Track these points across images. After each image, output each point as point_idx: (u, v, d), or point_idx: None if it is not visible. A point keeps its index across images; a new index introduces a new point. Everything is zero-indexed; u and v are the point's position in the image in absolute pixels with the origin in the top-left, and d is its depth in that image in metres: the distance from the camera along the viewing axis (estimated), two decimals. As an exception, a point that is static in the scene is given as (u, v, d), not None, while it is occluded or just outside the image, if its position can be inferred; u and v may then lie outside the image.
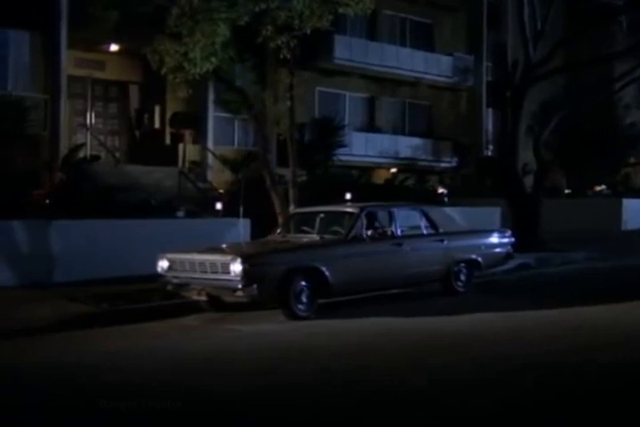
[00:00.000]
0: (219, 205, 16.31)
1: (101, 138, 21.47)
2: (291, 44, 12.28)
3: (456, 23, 30.66)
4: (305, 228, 11.74)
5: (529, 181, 20.09)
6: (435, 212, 12.55)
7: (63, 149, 18.67)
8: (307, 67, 21.53)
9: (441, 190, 24.38)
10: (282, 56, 12.53)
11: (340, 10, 12.66)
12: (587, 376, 6.49)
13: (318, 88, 26.44)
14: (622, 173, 31.56)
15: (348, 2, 12.25)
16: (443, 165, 29.18)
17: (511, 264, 15.37)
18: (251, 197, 15.87)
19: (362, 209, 11.25)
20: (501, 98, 20.42)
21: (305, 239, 11.23)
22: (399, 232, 11.43)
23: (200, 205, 17.27)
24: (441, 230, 11.95)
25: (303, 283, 9.99)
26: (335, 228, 11.25)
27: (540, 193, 18.94)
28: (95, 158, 20.21)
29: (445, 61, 29.78)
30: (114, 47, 20.28)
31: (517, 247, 17.06)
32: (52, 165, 17.35)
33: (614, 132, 28.65)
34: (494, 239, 12.96)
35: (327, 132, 23.37)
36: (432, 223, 11.94)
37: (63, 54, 18.86)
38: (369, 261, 10.81)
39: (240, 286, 9.69)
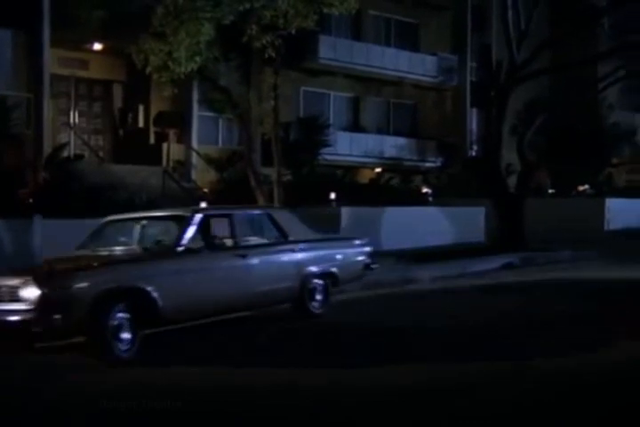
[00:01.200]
0: (203, 205, 16.31)
1: (85, 137, 21.42)
2: (276, 43, 12.32)
3: (441, 23, 30.78)
4: (124, 238, 9.48)
5: (514, 180, 20.19)
6: (281, 216, 10.35)
7: (47, 148, 18.63)
8: (292, 66, 21.53)
9: (425, 190, 24.49)
10: (267, 56, 12.57)
11: (325, 10, 12.71)
12: None
13: (303, 88, 26.49)
14: (606, 173, 31.78)
15: (333, 2, 12.30)
16: (427, 164, 29.28)
17: (496, 264, 15.49)
18: (236, 197, 15.91)
19: (194, 213, 9.10)
20: (486, 98, 20.54)
21: (124, 253, 8.93)
22: (242, 241, 9.40)
23: (184, 205, 17.25)
24: (291, 238, 9.88)
25: (123, 310, 7.69)
26: (162, 237, 9.05)
27: (525, 193, 19.04)
28: (79, 157, 20.18)
29: (430, 61, 29.90)
30: (98, 46, 20.25)
31: (501, 247, 17.24)
32: (36, 163, 17.31)
33: (598, 133, 28.84)
34: (352, 248, 10.91)
35: (312, 132, 23.42)
36: (280, 230, 9.89)
37: (46, 53, 18.81)
38: (206, 278, 8.68)
39: (36, 319, 7.21)
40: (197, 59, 11.86)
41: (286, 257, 9.76)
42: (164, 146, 21.76)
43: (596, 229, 23.39)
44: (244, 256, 9.12)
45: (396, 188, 24.08)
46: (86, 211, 13.69)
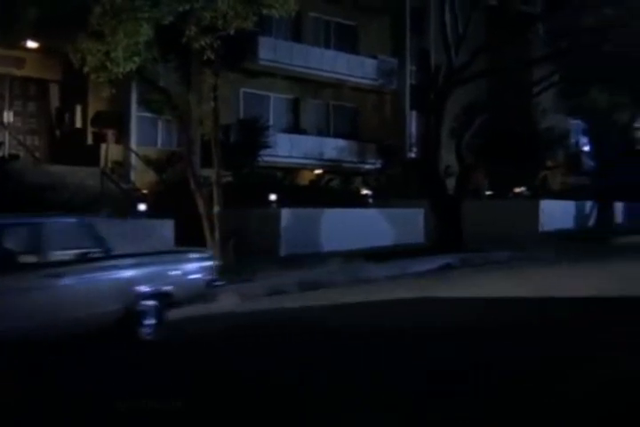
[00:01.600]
0: (142, 206, 16.16)
1: (20, 137, 21.00)
2: (215, 44, 12.24)
3: (380, 26, 30.98)
4: None
5: (452, 182, 20.46)
6: (94, 224, 8.58)
7: (-20, 148, 18.22)
8: (231, 68, 21.40)
9: (365, 192, 24.62)
10: (206, 57, 12.47)
11: (265, 11, 12.68)
12: None
13: (243, 89, 26.39)
14: (541, 175, 32.38)
15: (272, 3, 12.28)
16: (367, 166, 29.42)
17: (435, 264, 15.67)
18: (175, 198, 15.79)
19: None
20: (424, 101, 20.78)
21: None
22: (49, 258, 7.69)
23: (123, 206, 17.06)
24: (115, 252, 8.37)
25: None
26: None
27: (462, 194, 19.31)
28: (14, 157, 19.77)
29: (370, 64, 30.08)
30: (33, 44, 19.86)
31: (440, 248, 17.45)
32: (-30, 164, 16.92)
33: (533, 136, 29.37)
34: (191, 263, 9.29)
35: (252, 133, 23.33)
36: (100, 243, 8.29)
37: (-21, 51, 18.40)
38: (7, 304, 7.03)
39: None
40: (136, 59, 11.73)
41: (108, 275, 8.11)
42: (103, 147, 21.46)
43: (530, 231, 23.84)
44: (52, 276, 7.47)
45: (336, 189, 24.17)
46: (22, 211, 13.42)
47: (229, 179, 19.23)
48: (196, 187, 14.61)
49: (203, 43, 12.26)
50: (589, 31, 20.27)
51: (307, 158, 27.54)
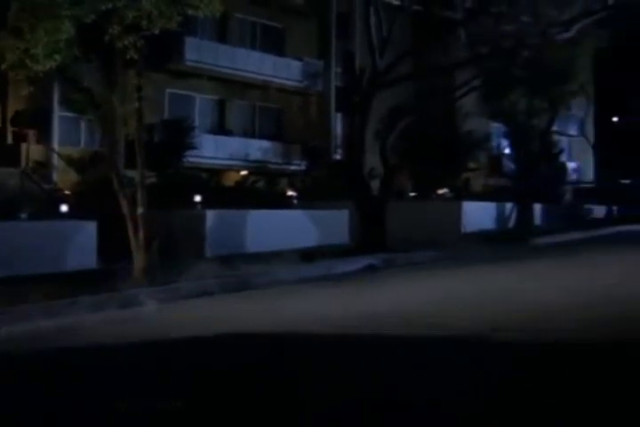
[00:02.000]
0: (64, 207, 15.85)
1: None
2: (138, 44, 12.06)
3: (306, 29, 31.10)
4: None
5: (377, 184, 20.62)
6: None
7: None
8: (156, 68, 21.21)
9: (290, 193, 24.65)
10: (129, 56, 12.29)
11: (190, 11, 12.55)
12: None
13: (168, 89, 26.18)
14: (463, 177, 32.96)
15: (197, 3, 12.17)
16: (293, 168, 29.50)
17: (359, 265, 15.78)
18: (98, 199, 15.52)
19: None
20: (349, 103, 20.91)
21: None
22: None
23: (44, 207, 16.71)
24: None
25: None
26: None
27: (387, 196, 19.49)
28: None
29: (295, 66, 30.17)
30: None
31: (364, 249, 17.57)
32: None
33: (455, 139, 29.88)
34: None
35: (177, 134, 23.14)
36: None
37: None
38: None
39: None
40: (56, 57, 11.46)
41: None
42: (23, 146, 20.98)
43: (453, 232, 24.22)
44: None
45: (261, 190, 24.15)
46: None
47: (154, 180, 19.00)
48: (120, 187, 14.36)
49: (126, 42, 12.06)
50: (508, 37, 20.72)
51: (232, 159, 27.47)
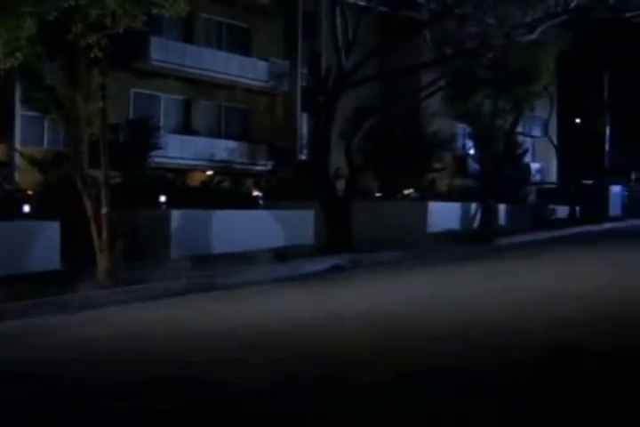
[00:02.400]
0: (26, 208, 15.62)
1: None
2: (102, 42, 11.90)
3: (273, 29, 31.02)
4: None
5: (343, 184, 20.59)
6: None
7: None
8: (121, 67, 20.98)
9: (256, 193, 24.56)
10: (93, 55, 12.12)
11: (155, 11, 12.41)
12: None
13: (133, 89, 25.96)
14: (429, 177, 33.07)
15: (162, 3, 12.04)
16: (259, 168, 29.41)
17: (325, 265, 15.75)
18: (61, 199, 15.32)
19: None
20: (315, 103, 20.87)
21: None
22: None
23: (7, 207, 16.44)
24: None
25: None
26: None
27: (352, 196, 19.48)
28: None
29: (262, 66, 30.08)
30: None
31: (330, 249, 17.54)
32: None
33: (421, 139, 29.97)
34: None
35: (142, 134, 22.96)
36: None
37: None
38: None
39: None
40: (18, 55, 11.26)
41: None
42: (-15, 146, 20.68)
43: (419, 231, 24.28)
44: None
45: (227, 191, 24.00)
46: None
47: (119, 180, 18.82)
48: (84, 187, 14.19)
49: (90, 40, 11.88)
50: (472, 38, 20.84)
51: (198, 159, 27.32)
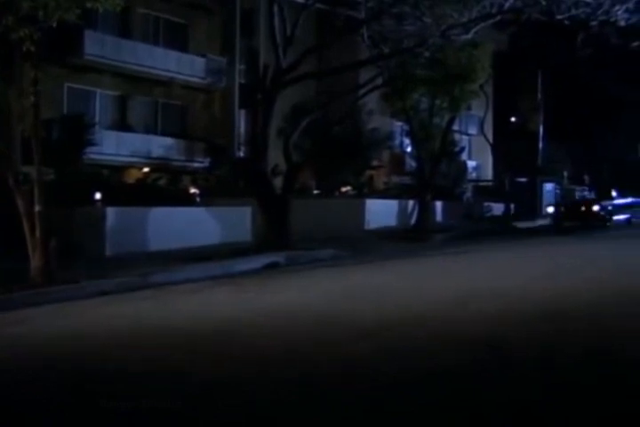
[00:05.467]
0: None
1: None
2: (35, 36, 11.68)
3: (211, 25, 30.83)
4: None
5: (280, 181, 20.60)
6: None
7: None
8: (55, 61, 20.66)
9: (193, 190, 24.41)
10: (26, 49, 11.88)
11: (89, 4, 12.24)
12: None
13: (67, 84, 25.50)
14: (367, 175, 33.30)
15: (97, -4, 11.87)
16: (196, 165, 29.20)
17: (261, 263, 15.73)
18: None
19: None
20: (253, 100, 20.81)
21: None
22: None
23: None
24: None
25: None
26: None
27: (289, 193, 19.50)
28: None
29: (199, 62, 29.86)
30: None
31: (267, 246, 17.53)
32: None
33: (359, 137, 30.16)
34: None
35: (76, 130, 22.59)
36: None
37: None
38: None
39: None
40: (-55, 48, 11.02)
41: None
42: None
43: (356, 229, 24.47)
44: None
45: (163, 188, 23.78)
46: None
47: (52, 177, 18.51)
48: (16, 185, 13.92)
49: (22, 33, 11.66)
50: (409, 37, 21.03)
51: (134, 156, 26.99)
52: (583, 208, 32.81)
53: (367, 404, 5.42)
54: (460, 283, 12.00)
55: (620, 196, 44.41)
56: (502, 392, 5.62)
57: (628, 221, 35.43)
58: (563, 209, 33.27)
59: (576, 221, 30.75)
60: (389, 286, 12.07)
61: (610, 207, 35.30)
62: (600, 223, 31.37)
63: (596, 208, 32.70)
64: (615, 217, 34.46)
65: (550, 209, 36.18)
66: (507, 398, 5.48)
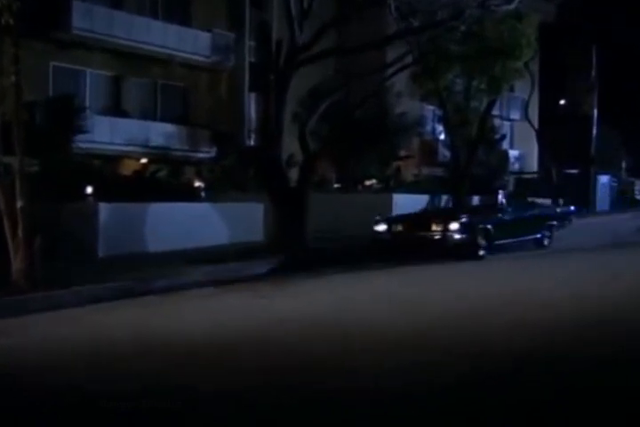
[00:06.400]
0: None
1: None
2: (13, 6, 11.69)
3: (216, -4, 30.86)
4: None
5: (296, 173, 20.58)
6: None
7: None
8: (38, 36, 20.71)
9: (198, 184, 24.46)
10: (4, 21, 11.91)
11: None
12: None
13: (53, 62, 25.58)
14: (393, 166, 33.20)
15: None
16: (200, 155, 29.25)
17: (272, 266, 15.73)
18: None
19: None
20: (264, 82, 20.78)
21: None
22: None
23: None
24: None
25: None
26: None
27: (306, 187, 19.46)
28: None
29: (203, 38, 29.86)
30: None
31: (280, 247, 17.50)
32: None
33: (385, 122, 30.08)
34: None
35: (64, 115, 22.67)
36: None
37: None
38: None
39: None
40: None
41: None
42: None
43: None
44: None
45: (164, 181, 23.85)
46: None
47: (36, 168, 18.60)
48: (-5, 177, 13.99)
49: (-1, 4, 11.71)
50: (443, 8, 20.92)
51: (130, 145, 27.05)
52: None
53: None
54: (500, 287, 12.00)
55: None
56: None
57: None
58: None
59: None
60: (406, 292, 12.06)
61: None
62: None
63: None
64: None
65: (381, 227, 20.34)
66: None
